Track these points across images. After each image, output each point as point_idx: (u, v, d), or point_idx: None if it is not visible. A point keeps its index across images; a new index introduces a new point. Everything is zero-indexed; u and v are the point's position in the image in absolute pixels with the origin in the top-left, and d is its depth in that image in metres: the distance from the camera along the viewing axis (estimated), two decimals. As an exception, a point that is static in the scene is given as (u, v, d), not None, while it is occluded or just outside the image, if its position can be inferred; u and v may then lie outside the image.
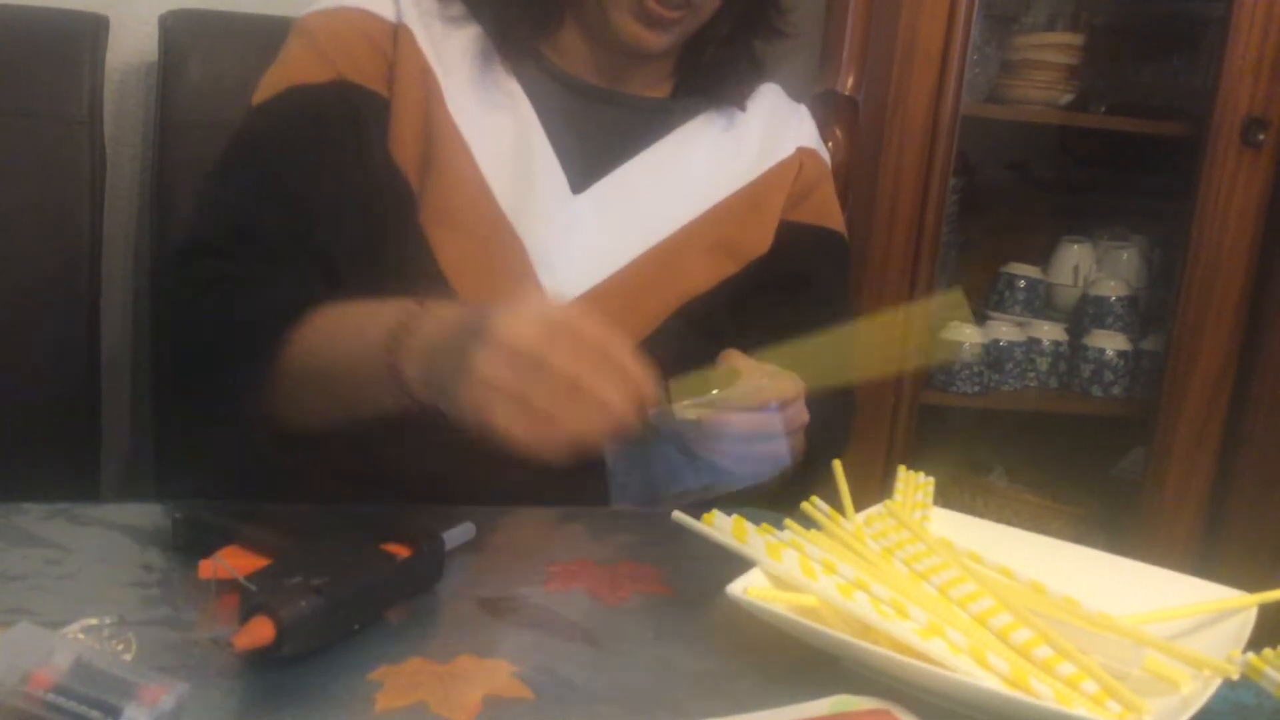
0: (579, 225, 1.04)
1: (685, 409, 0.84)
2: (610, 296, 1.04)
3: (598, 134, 1.07)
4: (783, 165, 1.15)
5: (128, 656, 0.61)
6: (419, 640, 0.70)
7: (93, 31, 1.34)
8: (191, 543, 0.76)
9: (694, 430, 0.85)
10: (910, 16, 1.50)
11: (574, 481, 0.88)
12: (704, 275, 1.09)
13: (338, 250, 0.96)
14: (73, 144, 1.31)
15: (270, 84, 1.02)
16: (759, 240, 1.12)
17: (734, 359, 0.89)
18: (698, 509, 0.78)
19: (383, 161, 1.00)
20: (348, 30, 1.02)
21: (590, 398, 0.69)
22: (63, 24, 1.34)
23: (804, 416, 0.92)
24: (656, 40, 1.03)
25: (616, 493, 0.86)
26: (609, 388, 0.69)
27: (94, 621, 0.62)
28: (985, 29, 1.71)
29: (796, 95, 1.22)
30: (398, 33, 1.03)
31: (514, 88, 1.05)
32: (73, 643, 0.56)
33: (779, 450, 0.88)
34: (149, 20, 1.38)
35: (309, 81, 1.00)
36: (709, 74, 1.12)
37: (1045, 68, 1.74)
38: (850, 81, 1.53)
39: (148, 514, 0.85)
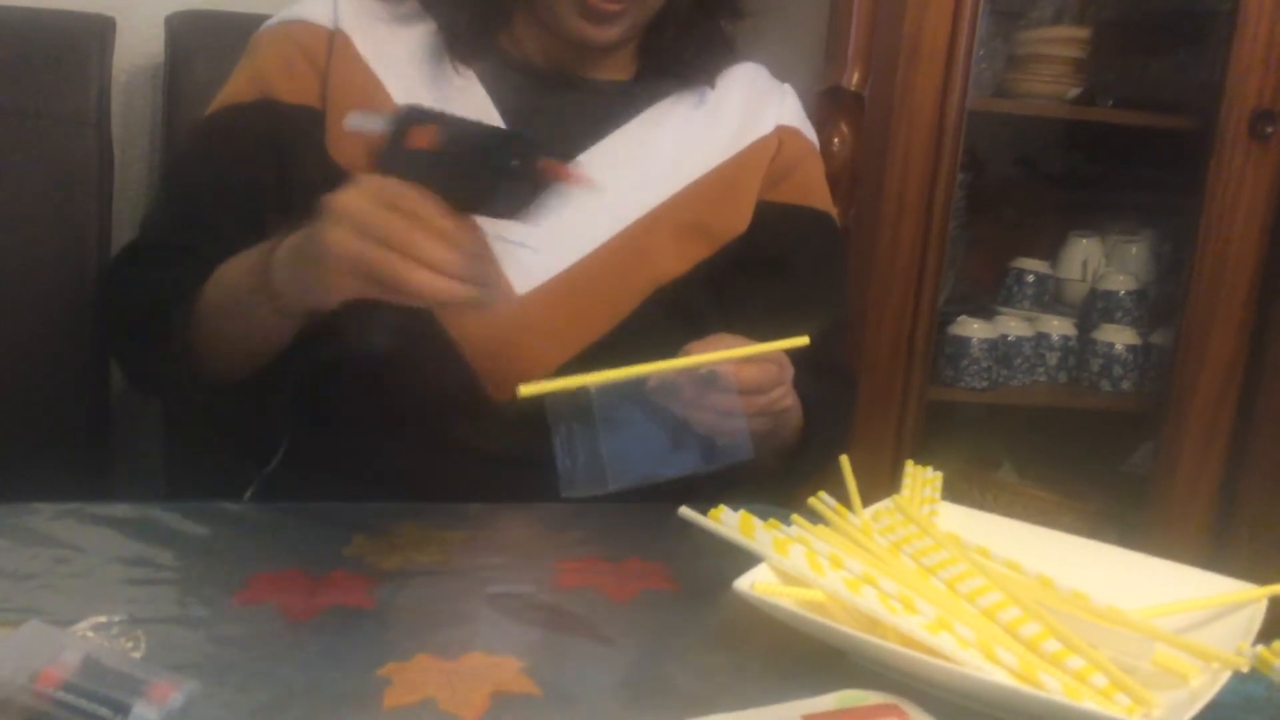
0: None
1: (618, 378, 0.81)
2: (578, 282, 1.03)
3: (558, 121, 1.07)
4: (760, 144, 1.13)
5: (137, 654, 0.61)
6: (427, 637, 0.70)
7: (99, 33, 1.34)
8: None
9: (648, 392, 0.83)
10: (916, 12, 1.50)
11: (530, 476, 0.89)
12: (677, 259, 1.07)
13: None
14: (80, 145, 1.32)
15: (216, 101, 1.07)
16: (734, 221, 1.11)
17: (723, 340, 0.86)
18: (691, 495, 0.77)
19: (322, 164, 1.01)
20: (283, 45, 1.06)
21: (417, 250, 0.73)
22: (69, 26, 1.34)
23: (786, 402, 0.91)
24: (603, 34, 1.03)
25: (563, 479, 0.83)
26: (429, 243, 0.73)
27: (103, 619, 0.62)
28: (991, 23, 1.70)
29: (803, 91, 1.22)
30: (333, 39, 1.05)
31: (468, 81, 1.05)
32: (82, 640, 0.57)
33: (740, 427, 0.85)
34: (155, 21, 1.38)
35: (239, 101, 1.05)
36: (672, 55, 1.11)
37: (1052, 62, 1.73)
38: (856, 77, 1.53)
39: (156, 513, 0.86)
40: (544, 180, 0.78)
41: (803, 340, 0.85)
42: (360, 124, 0.81)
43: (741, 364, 0.84)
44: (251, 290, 0.87)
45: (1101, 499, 1.83)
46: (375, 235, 0.73)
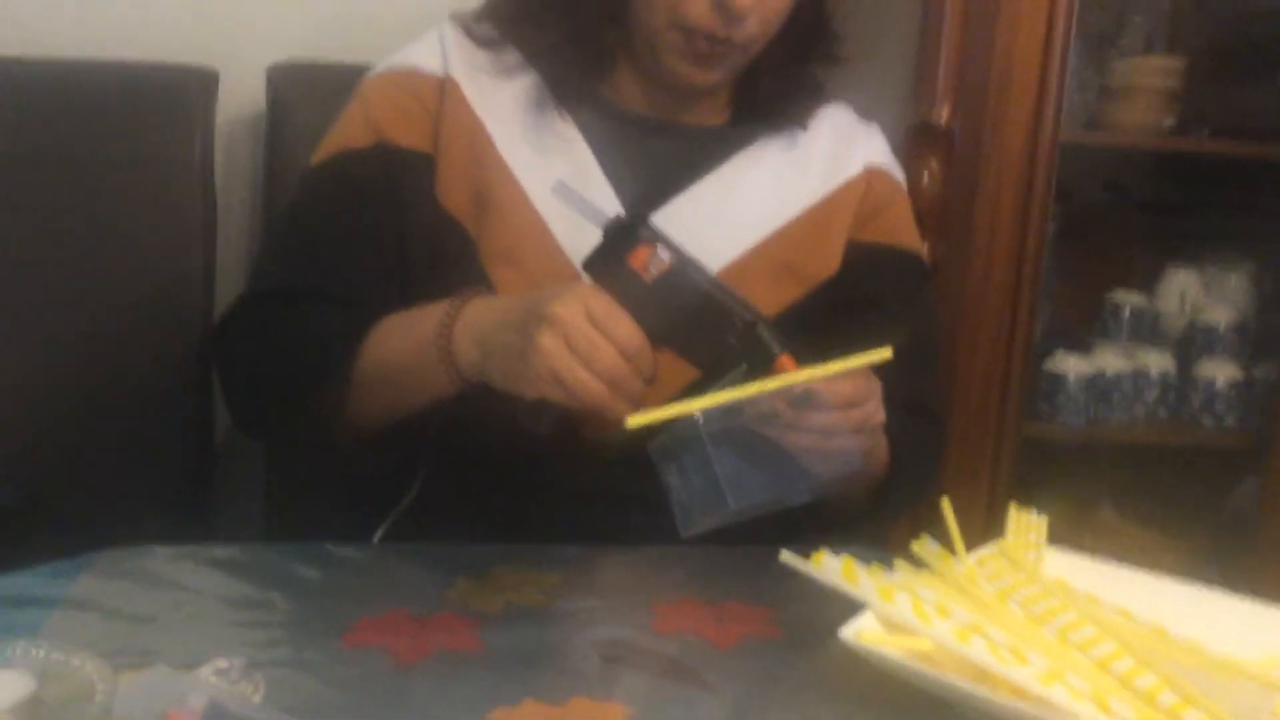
0: None
1: (720, 402, 0.82)
2: None
3: (655, 165, 1.08)
4: (849, 184, 1.14)
5: (256, 698, 0.62)
6: (532, 681, 0.70)
7: (203, 84, 1.38)
8: None
9: (747, 421, 0.84)
10: (1005, 45, 1.49)
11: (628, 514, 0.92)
12: (770, 300, 1.07)
13: (382, 301, 1.00)
14: (185, 193, 1.35)
15: (324, 148, 1.09)
16: (825, 262, 1.11)
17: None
18: (789, 539, 0.77)
19: (432, 212, 1.05)
20: (395, 92, 1.08)
21: (610, 374, 0.81)
22: (174, 78, 1.39)
23: (880, 417, 0.91)
24: (706, 77, 1.05)
25: (679, 516, 0.85)
26: (621, 371, 0.82)
27: (223, 664, 0.64)
28: (1082, 53, 1.68)
29: (891, 128, 1.22)
30: (444, 87, 1.07)
31: (568, 128, 1.07)
32: (206, 685, 0.58)
33: (846, 446, 0.86)
34: (257, 72, 1.42)
35: (353, 147, 1.07)
36: (766, 101, 1.12)
37: (1146, 92, 1.71)
38: (945, 112, 1.52)
39: (266, 555, 0.88)
40: (758, 363, 0.84)
41: (886, 353, 0.84)
42: (570, 199, 0.86)
43: (835, 380, 0.84)
44: (429, 356, 0.90)
45: (1205, 538, 1.78)
46: (580, 354, 0.81)
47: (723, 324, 0.85)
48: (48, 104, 1.33)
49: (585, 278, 0.89)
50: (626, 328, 0.82)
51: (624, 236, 0.86)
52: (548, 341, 0.81)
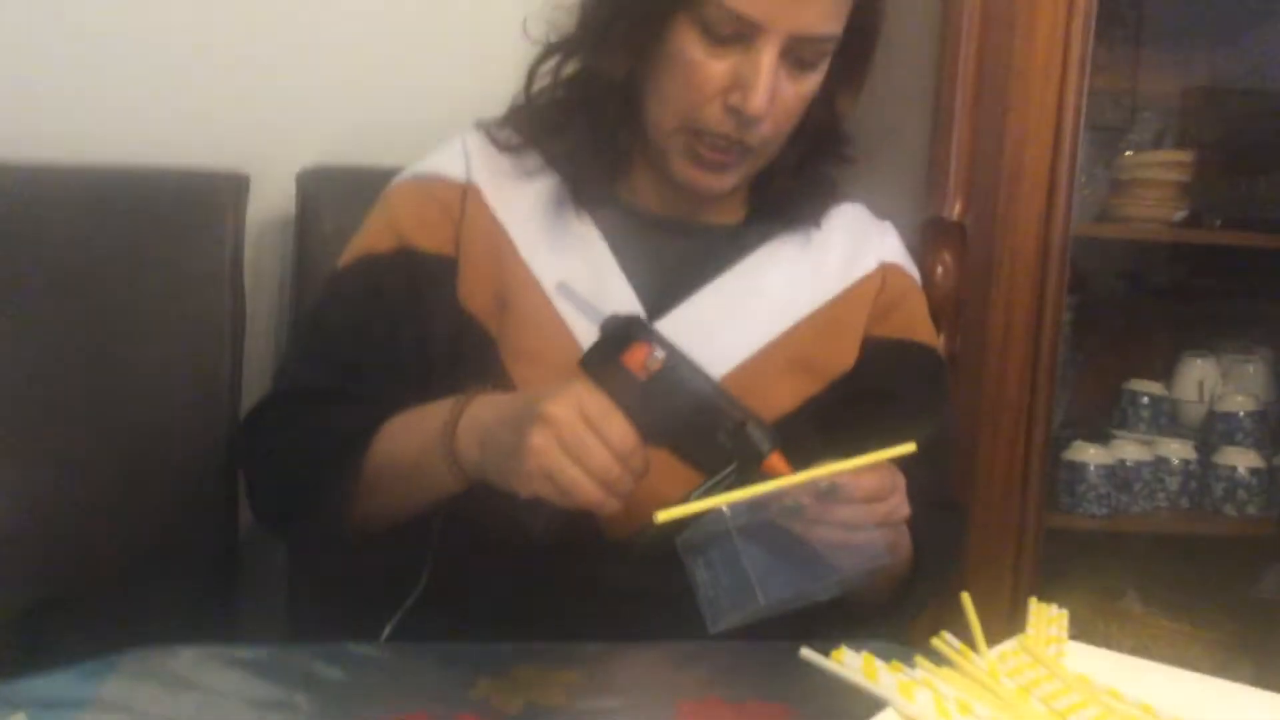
0: None
1: (747, 496, 0.82)
2: None
3: (672, 264, 1.10)
4: (864, 281, 1.15)
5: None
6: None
7: (234, 189, 1.40)
8: None
9: (773, 515, 0.84)
10: (1015, 141, 1.52)
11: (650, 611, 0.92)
12: (787, 396, 1.09)
13: (401, 401, 1.01)
14: (215, 296, 1.37)
15: (349, 252, 1.12)
16: (841, 358, 1.13)
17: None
18: (813, 635, 0.77)
19: (455, 313, 1.07)
20: (419, 198, 1.12)
21: (603, 473, 0.82)
22: (207, 183, 1.41)
23: (904, 510, 0.91)
24: (716, 183, 1.07)
25: (708, 612, 0.84)
26: (614, 469, 0.83)
27: (250, 767, 0.64)
28: (1092, 149, 1.71)
29: (905, 223, 1.24)
30: (466, 193, 1.11)
31: (587, 229, 1.10)
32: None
33: (871, 540, 0.86)
34: (286, 176, 1.45)
35: (377, 251, 1.10)
36: (781, 200, 1.14)
37: (1156, 186, 1.73)
38: (958, 207, 1.54)
39: (290, 655, 0.88)
40: (748, 461, 0.86)
41: (910, 447, 0.85)
42: (572, 300, 0.88)
43: (859, 474, 0.85)
44: (434, 454, 0.92)
45: (1233, 628, 1.76)
46: (572, 454, 0.81)
47: (714, 422, 0.87)
48: (87, 209, 1.36)
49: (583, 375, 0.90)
50: (619, 427, 0.83)
51: (620, 335, 0.88)
52: (540, 440, 0.82)
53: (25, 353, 1.30)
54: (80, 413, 1.32)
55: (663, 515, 0.79)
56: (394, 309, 1.08)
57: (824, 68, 1.05)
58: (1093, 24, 1.48)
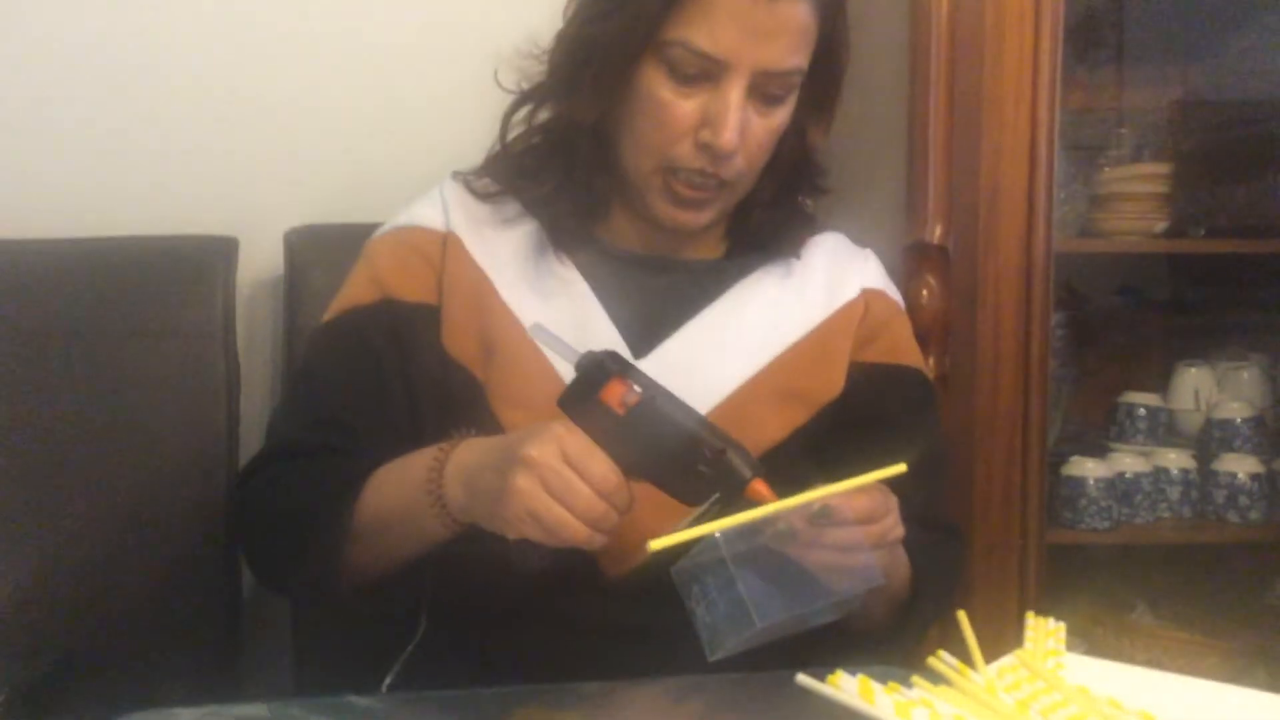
0: None
1: (739, 522, 0.82)
2: None
3: (655, 301, 1.12)
4: (847, 308, 1.16)
5: None
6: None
7: (224, 252, 1.43)
8: None
9: (767, 540, 0.85)
10: (991, 162, 1.53)
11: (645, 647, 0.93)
12: (776, 426, 1.10)
13: (390, 451, 1.02)
14: (208, 358, 1.39)
15: (333, 307, 1.14)
16: (829, 385, 1.13)
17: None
18: (812, 661, 0.77)
19: (440, 360, 1.09)
20: (399, 250, 1.13)
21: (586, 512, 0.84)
22: (197, 247, 1.44)
23: (898, 531, 0.91)
24: (693, 219, 1.09)
25: (706, 641, 0.85)
26: (596, 507, 0.85)
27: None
28: (1070, 166, 1.72)
29: (887, 249, 1.25)
30: (446, 241, 1.12)
31: (568, 271, 1.11)
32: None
33: (866, 561, 0.86)
34: (275, 237, 1.47)
35: (360, 303, 1.12)
36: (760, 233, 1.16)
37: (1136, 198, 1.75)
38: (938, 231, 1.55)
39: (290, 711, 0.88)
40: (730, 490, 0.86)
41: (900, 468, 0.86)
42: (547, 340, 0.89)
43: (852, 496, 0.86)
44: (421, 502, 0.93)
45: (1246, 635, 1.75)
46: (556, 494, 0.84)
47: (694, 453, 0.87)
48: (84, 279, 1.38)
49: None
50: (600, 465, 0.84)
51: (596, 372, 0.89)
52: (523, 483, 0.84)
53: (23, 419, 1.31)
54: (80, 477, 1.33)
55: (655, 544, 0.79)
56: (379, 360, 1.09)
57: (792, 101, 1.07)
58: (1060, 46, 1.50)
